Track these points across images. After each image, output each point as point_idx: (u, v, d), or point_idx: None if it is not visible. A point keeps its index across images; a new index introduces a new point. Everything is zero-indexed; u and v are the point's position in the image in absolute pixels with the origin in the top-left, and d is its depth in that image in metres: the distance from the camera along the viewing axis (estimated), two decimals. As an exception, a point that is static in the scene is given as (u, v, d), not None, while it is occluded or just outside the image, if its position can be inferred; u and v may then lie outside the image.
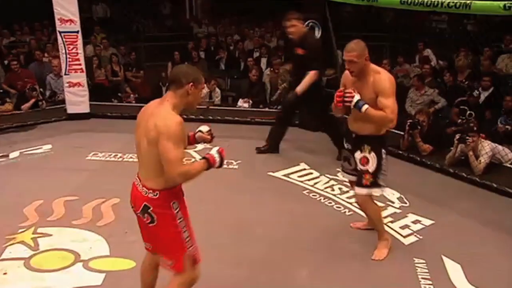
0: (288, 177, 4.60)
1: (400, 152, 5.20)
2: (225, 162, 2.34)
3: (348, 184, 4.38)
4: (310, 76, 4.67)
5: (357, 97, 2.92)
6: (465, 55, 6.79)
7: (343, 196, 4.20)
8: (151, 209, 2.21)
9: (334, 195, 4.23)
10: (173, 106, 2.17)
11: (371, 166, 3.05)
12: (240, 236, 3.47)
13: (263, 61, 8.21)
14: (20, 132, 5.83)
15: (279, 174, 4.63)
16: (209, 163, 2.24)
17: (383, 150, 3.07)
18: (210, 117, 6.51)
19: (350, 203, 4.05)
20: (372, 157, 3.04)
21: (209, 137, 2.51)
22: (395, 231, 3.62)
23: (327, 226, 3.68)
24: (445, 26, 9.63)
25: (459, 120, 5.41)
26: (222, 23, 10.76)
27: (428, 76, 6.43)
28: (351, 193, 4.23)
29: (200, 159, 2.29)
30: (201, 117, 6.54)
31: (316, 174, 4.68)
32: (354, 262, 3.21)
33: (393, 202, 4.09)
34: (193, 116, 6.49)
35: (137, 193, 2.26)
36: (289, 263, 3.17)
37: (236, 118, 6.40)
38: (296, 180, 4.54)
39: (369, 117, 2.93)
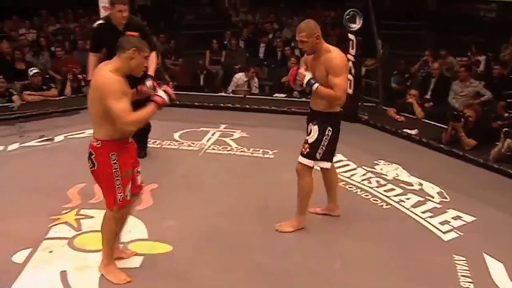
0: (324, 168, 4.56)
1: (442, 145, 5.05)
2: (174, 96, 2.62)
3: (387, 177, 4.34)
4: None
5: (308, 76, 3.08)
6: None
7: (381, 189, 4.12)
8: (94, 155, 2.61)
9: (371, 187, 4.16)
10: (115, 68, 2.51)
11: (311, 138, 3.21)
12: (271, 224, 3.45)
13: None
14: (65, 117, 6.04)
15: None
16: (158, 104, 2.56)
17: (328, 128, 3.18)
18: (247, 106, 6.54)
19: (388, 197, 3.98)
20: (315, 130, 3.20)
21: (151, 91, 2.74)
22: (434, 226, 3.53)
23: (363, 218, 3.63)
24: (494, 15, 9.20)
25: (506, 114, 5.18)
26: (260, 12, 10.71)
27: (475, 66, 6.19)
28: (389, 186, 4.18)
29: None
30: (238, 105, 6.58)
31: (353, 166, 4.61)
32: (391, 255, 3.16)
33: (432, 197, 3.98)
34: (230, 105, 6.57)
35: (90, 142, 2.65)
36: (326, 254, 3.16)
37: (273, 108, 6.38)
38: (333, 171, 4.50)
39: (318, 94, 3.09)
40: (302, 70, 3.14)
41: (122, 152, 2.62)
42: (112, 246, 2.82)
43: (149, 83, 2.86)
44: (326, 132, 3.18)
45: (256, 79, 7.27)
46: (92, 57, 4.20)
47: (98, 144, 2.58)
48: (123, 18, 4.04)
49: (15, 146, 4.99)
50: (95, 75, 2.59)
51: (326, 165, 3.31)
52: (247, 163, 4.67)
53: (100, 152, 2.58)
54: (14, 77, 6.55)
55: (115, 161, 2.60)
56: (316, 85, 3.06)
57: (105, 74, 2.50)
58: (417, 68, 6.97)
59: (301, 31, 3.06)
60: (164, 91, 2.62)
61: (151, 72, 3.92)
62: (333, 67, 3.04)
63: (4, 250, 3.04)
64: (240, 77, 7.20)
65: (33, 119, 5.86)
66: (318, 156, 3.21)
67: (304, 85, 3.10)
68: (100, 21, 4.32)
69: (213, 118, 6.00)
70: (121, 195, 2.67)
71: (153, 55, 4.01)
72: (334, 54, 3.08)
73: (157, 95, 2.60)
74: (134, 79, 2.68)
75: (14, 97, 6.04)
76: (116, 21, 4.06)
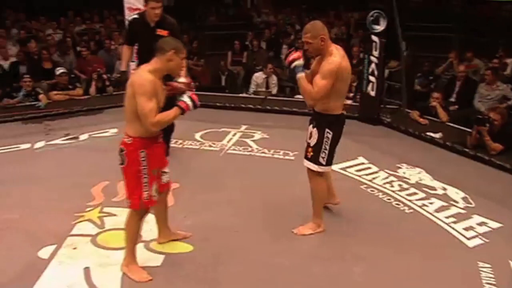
0: (345, 171, 4.53)
1: (466, 150, 4.95)
2: (198, 104, 2.69)
3: (409, 181, 4.28)
4: None
5: (299, 62, 3.03)
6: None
7: (403, 193, 4.07)
8: (124, 151, 2.65)
9: (393, 191, 4.11)
10: (153, 69, 2.60)
11: (313, 141, 3.20)
12: (291, 227, 3.43)
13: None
14: (89, 116, 6.17)
15: (336, 167, 4.52)
16: (181, 109, 2.65)
17: (327, 130, 3.15)
18: (268, 107, 6.55)
19: (410, 201, 3.92)
20: (314, 133, 3.19)
21: (183, 87, 2.77)
22: (458, 232, 3.47)
23: (385, 222, 3.59)
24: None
25: (534, 118, 5.05)
26: (283, 13, 10.69)
27: (501, 69, 6.05)
28: (412, 190, 4.12)
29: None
30: (259, 107, 6.59)
31: (374, 169, 4.56)
32: (414, 260, 3.11)
33: (457, 202, 3.91)
34: (251, 106, 6.58)
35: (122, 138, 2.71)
36: (346, 258, 3.14)
37: (294, 109, 6.36)
38: (354, 174, 4.46)
39: (299, 83, 3.06)
40: (300, 53, 3.07)
41: (151, 150, 2.69)
42: (135, 244, 2.86)
43: (182, 78, 2.87)
44: (325, 135, 3.16)
45: (274, 76, 7.27)
46: (125, 49, 4.45)
47: (129, 141, 2.65)
48: (155, 16, 4.16)
49: (41, 144, 5.11)
50: (134, 74, 2.68)
51: (327, 169, 3.31)
52: (268, 164, 4.67)
53: (130, 149, 2.65)
54: (41, 77, 6.70)
55: (143, 159, 2.66)
56: (301, 74, 3.03)
57: (142, 74, 2.59)
58: (442, 70, 6.85)
59: (307, 32, 3.03)
60: (189, 97, 2.69)
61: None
62: (323, 68, 2.99)
63: (31, 246, 3.12)
64: (259, 75, 7.24)
65: (59, 118, 6.00)
66: (322, 160, 3.18)
67: (291, 66, 3.06)
68: (135, 16, 4.49)
69: (234, 119, 6.03)
70: (147, 193, 2.70)
71: None
72: (334, 58, 2.99)
73: (182, 100, 2.68)
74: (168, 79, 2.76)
75: (41, 96, 6.18)
76: (148, 17, 4.20)
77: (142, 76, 2.57)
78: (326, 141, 3.16)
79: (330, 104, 3.12)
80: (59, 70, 6.55)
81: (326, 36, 3.02)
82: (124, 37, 4.75)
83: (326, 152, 3.18)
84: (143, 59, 4.22)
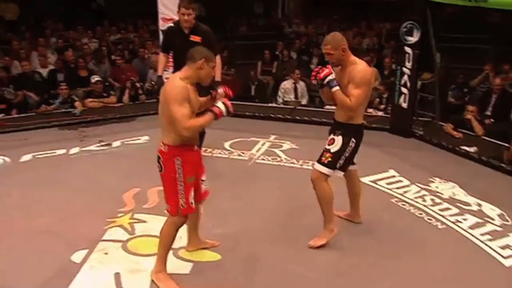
0: (376, 183, 4.46)
1: (502, 165, 4.80)
2: (232, 110, 2.70)
3: (442, 196, 4.18)
4: None
5: (333, 76, 3.09)
6: None
7: (436, 208, 3.97)
8: (161, 159, 2.71)
9: (426, 206, 4.01)
10: (185, 76, 2.64)
11: (334, 147, 3.21)
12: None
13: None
14: (122, 123, 6.32)
15: (366, 179, 4.48)
16: (215, 114, 2.66)
17: (352, 139, 3.19)
18: (297, 117, 6.54)
19: (443, 216, 3.82)
20: (338, 140, 3.21)
21: (223, 98, 2.80)
22: (494, 250, 3.35)
23: (417, 238, 3.51)
24: None
25: None
26: (314, 23, 10.69)
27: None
28: (445, 205, 4.02)
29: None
30: (288, 117, 6.59)
31: (406, 182, 4.47)
32: (446, 278, 3.02)
33: (493, 219, 3.79)
34: (280, 116, 6.59)
35: (159, 146, 2.75)
36: (375, 273, 3.08)
37: (324, 120, 6.32)
38: (384, 187, 4.39)
39: (335, 98, 3.12)
40: (330, 68, 3.14)
41: (186, 158, 2.71)
42: (167, 252, 2.89)
43: (220, 90, 2.90)
44: (350, 144, 3.20)
45: (303, 83, 7.26)
46: (161, 57, 4.70)
47: (165, 149, 2.69)
48: (185, 22, 4.36)
49: (76, 150, 5.25)
50: (167, 82, 2.72)
51: (341, 174, 3.31)
52: (296, 175, 4.64)
53: (166, 157, 2.69)
54: (77, 84, 6.92)
55: (179, 166, 2.69)
56: (336, 87, 3.08)
57: (174, 81, 2.64)
58: (477, 82, 6.68)
59: (327, 43, 3.10)
60: (223, 103, 2.71)
61: (218, 76, 4.20)
62: (355, 78, 3.07)
63: (64, 250, 3.20)
64: (286, 82, 7.27)
65: (93, 125, 6.17)
66: (338, 165, 3.22)
67: (325, 81, 3.09)
68: (171, 25, 4.76)
69: (263, 129, 6.04)
70: (183, 201, 2.73)
71: (219, 59, 4.32)
72: (360, 66, 3.10)
73: (216, 106, 2.70)
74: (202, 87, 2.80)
75: (77, 103, 6.37)
76: (181, 24, 4.41)
77: (174, 83, 2.62)
78: (348, 149, 3.21)
79: (356, 114, 3.18)
80: (95, 78, 6.74)
81: (346, 47, 3.10)
82: (161, 45, 5.00)
83: (345, 159, 3.21)
84: (178, 64, 4.56)
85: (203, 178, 2.92)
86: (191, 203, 2.76)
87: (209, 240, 3.30)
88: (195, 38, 4.29)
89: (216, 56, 4.37)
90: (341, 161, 3.21)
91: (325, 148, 3.26)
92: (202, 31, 4.39)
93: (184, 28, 4.36)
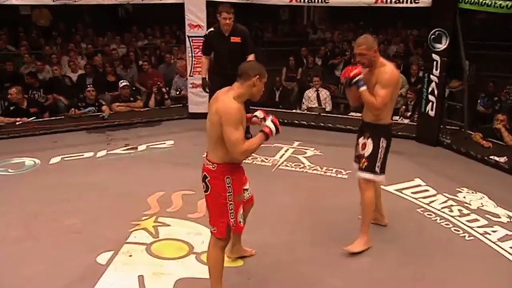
0: (401, 192, 4.38)
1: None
2: (280, 128, 2.62)
3: (470, 207, 4.08)
4: None
5: (360, 76, 3.15)
6: None
7: (463, 219, 3.87)
8: (208, 178, 2.59)
9: (453, 216, 3.93)
10: (238, 95, 2.53)
11: (367, 151, 3.26)
12: (342, 246, 3.36)
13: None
14: (148, 127, 6.41)
15: (391, 188, 4.42)
16: (266, 135, 2.58)
17: (382, 139, 3.24)
18: (322, 124, 6.49)
19: (471, 228, 3.73)
20: (369, 143, 3.26)
21: (261, 122, 2.73)
22: (524, 264, 3.25)
23: (442, 249, 3.43)
24: None
25: None
26: (340, 29, 10.64)
27: None
28: (473, 216, 3.92)
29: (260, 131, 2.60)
30: (312, 123, 6.55)
31: (432, 192, 4.38)
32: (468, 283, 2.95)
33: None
34: (305, 122, 6.56)
35: (203, 165, 2.64)
36: (399, 284, 3.02)
37: (348, 127, 6.27)
38: (410, 197, 4.31)
39: (362, 97, 3.19)
40: (360, 68, 3.20)
41: (235, 175, 2.62)
42: (220, 274, 2.72)
43: (259, 113, 2.76)
44: (381, 144, 3.25)
45: (325, 90, 7.28)
46: (204, 60, 5.20)
47: (214, 167, 2.58)
48: (226, 25, 4.71)
49: (103, 153, 5.36)
50: (218, 100, 2.54)
51: (383, 178, 3.33)
52: (320, 182, 4.62)
53: (215, 176, 2.58)
54: (105, 89, 7.07)
55: (229, 185, 2.58)
56: (364, 87, 3.15)
57: (228, 101, 2.49)
58: (508, 91, 6.51)
59: (360, 44, 3.18)
60: (272, 121, 2.63)
61: None
62: (382, 79, 3.14)
63: (90, 251, 3.27)
64: (309, 91, 7.30)
65: (120, 128, 6.28)
66: (377, 169, 3.26)
67: (353, 81, 3.16)
68: (211, 29, 5.13)
69: (287, 135, 5.95)
70: (233, 220, 2.63)
71: (252, 57, 4.67)
72: (388, 68, 3.19)
73: (266, 126, 2.61)
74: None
75: (104, 107, 6.50)
76: (222, 28, 4.74)
77: (228, 104, 2.48)
78: (381, 150, 3.26)
79: (383, 114, 3.24)
80: (122, 83, 6.86)
81: (377, 48, 3.21)
82: (202, 48, 5.40)
83: (381, 160, 3.26)
84: (221, 65, 4.99)
85: (246, 186, 2.84)
86: (240, 222, 2.67)
87: (247, 248, 3.26)
88: (235, 39, 4.65)
89: (251, 54, 4.80)
90: (378, 164, 3.26)
91: (360, 154, 3.33)
92: (241, 31, 4.71)
93: (225, 31, 4.68)
